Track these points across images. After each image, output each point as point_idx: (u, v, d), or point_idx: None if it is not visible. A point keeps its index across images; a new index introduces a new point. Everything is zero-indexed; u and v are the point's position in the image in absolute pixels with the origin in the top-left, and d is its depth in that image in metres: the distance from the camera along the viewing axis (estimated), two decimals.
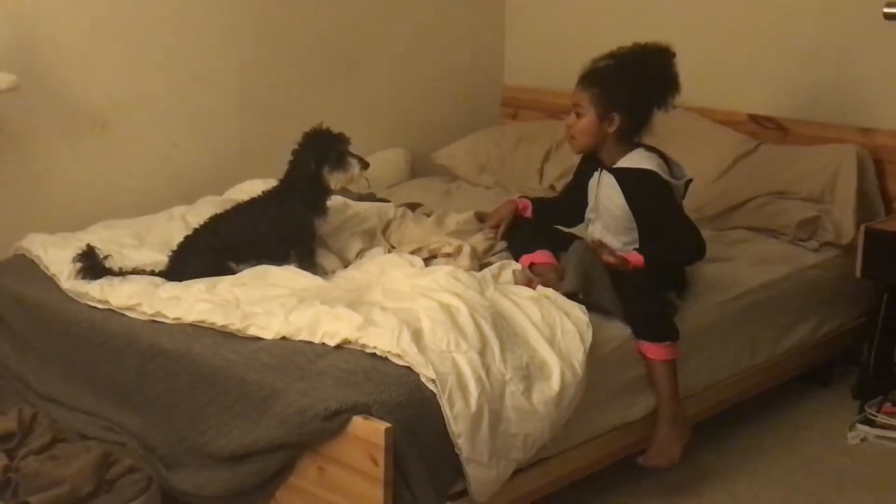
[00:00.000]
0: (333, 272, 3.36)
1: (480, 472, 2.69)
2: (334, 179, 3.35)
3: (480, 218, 3.65)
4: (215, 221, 3.39)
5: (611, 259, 3.15)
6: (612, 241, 3.34)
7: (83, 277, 3.25)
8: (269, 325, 2.91)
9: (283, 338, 2.88)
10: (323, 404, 2.60)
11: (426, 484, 2.61)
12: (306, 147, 3.33)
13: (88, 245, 3.33)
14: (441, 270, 3.16)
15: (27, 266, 3.46)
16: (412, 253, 3.42)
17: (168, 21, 4.05)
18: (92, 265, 3.27)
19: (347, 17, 4.59)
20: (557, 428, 2.87)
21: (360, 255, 3.50)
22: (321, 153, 3.31)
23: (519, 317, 2.98)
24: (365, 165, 3.37)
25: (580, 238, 3.36)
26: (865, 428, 3.63)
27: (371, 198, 4.01)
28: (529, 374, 2.83)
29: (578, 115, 3.29)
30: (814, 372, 3.95)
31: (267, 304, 3.02)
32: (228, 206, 3.52)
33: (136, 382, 3.02)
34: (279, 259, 3.31)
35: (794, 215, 3.95)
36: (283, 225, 3.34)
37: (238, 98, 4.30)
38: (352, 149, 3.36)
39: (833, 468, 3.44)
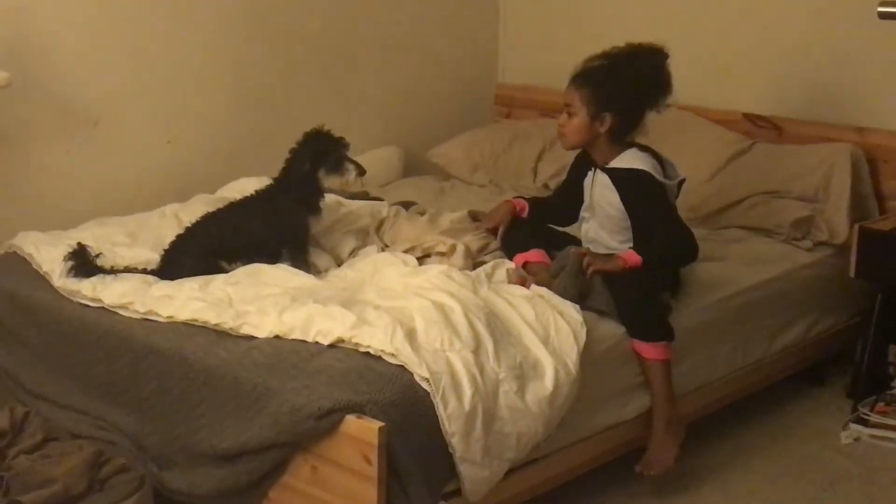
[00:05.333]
0: (327, 271, 3.36)
1: (474, 472, 2.69)
2: (329, 182, 3.35)
3: (474, 217, 3.64)
4: (208, 220, 3.38)
5: (604, 267, 3.14)
6: (608, 239, 3.34)
7: (74, 276, 3.24)
8: (262, 324, 2.90)
9: (277, 337, 2.87)
10: (316, 403, 2.59)
11: (420, 483, 2.60)
12: (304, 147, 3.33)
13: (79, 243, 3.33)
14: (435, 269, 3.15)
15: (19, 264, 3.44)
16: (406, 252, 3.41)
17: (161, 18, 4.04)
18: (83, 263, 3.26)
19: (342, 15, 4.59)
20: (551, 427, 2.86)
21: (353, 253, 3.50)
22: (319, 155, 3.31)
23: (513, 316, 2.97)
24: (361, 172, 3.36)
25: (571, 243, 3.37)
26: (859, 427, 3.63)
27: (364, 196, 4.00)
28: (523, 373, 2.82)
29: (570, 115, 3.28)
30: (807, 371, 3.96)
31: (260, 302, 3.01)
32: (221, 204, 3.51)
33: (129, 381, 3.01)
34: (272, 258, 3.30)
35: (788, 215, 3.95)
36: (276, 224, 3.33)
37: (231, 95, 4.29)
38: (350, 153, 3.35)
39: (826, 467, 3.45)
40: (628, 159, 3.28)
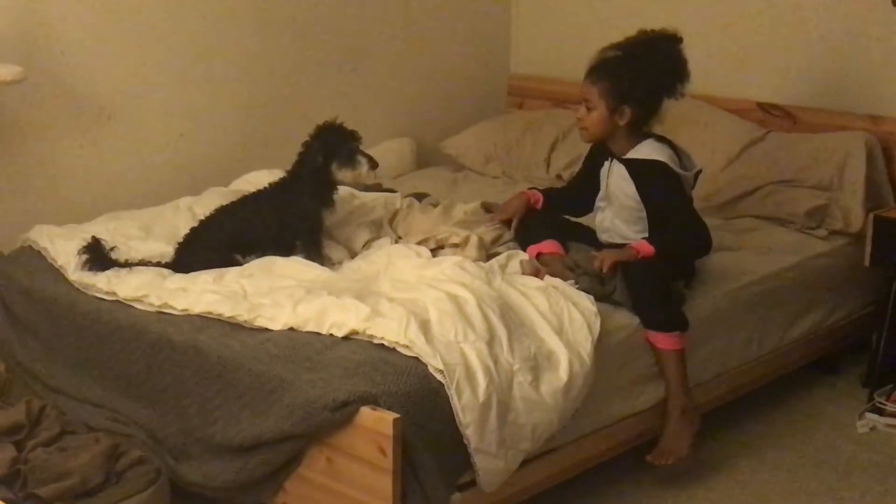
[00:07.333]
0: (340, 263, 3.36)
1: (489, 463, 2.69)
2: (341, 175, 3.35)
3: (487, 208, 3.64)
4: (222, 213, 3.38)
5: (618, 259, 3.14)
6: (624, 229, 3.34)
7: (89, 269, 3.25)
8: (276, 317, 2.91)
9: (291, 329, 2.88)
10: (331, 395, 2.60)
11: (434, 474, 2.61)
12: (317, 140, 3.33)
13: (93, 237, 3.34)
14: (448, 261, 3.15)
15: (34, 258, 3.46)
16: (419, 243, 3.41)
17: (173, 12, 4.04)
18: (97, 257, 3.27)
19: (353, 6, 4.58)
20: (566, 418, 2.86)
21: (366, 245, 3.50)
22: (331, 148, 3.31)
23: (526, 307, 2.97)
24: (374, 165, 3.36)
25: (585, 234, 3.37)
26: (874, 416, 3.62)
27: (377, 188, 4.00)
28: (537, 364, 2.82)
29: (588, 109, 3.26)
30: (823, 361, 3.94)
31: (274, 295, 3.02)
32: (234, 197, 3.51)
33: (144, 374, 3.02)
34: (286, 251, 3.30)
35: (802, 204, 3.94)
36: (290, 217, 3.33)
37: (244, 88, 4.29)
38: (362, 145, 3.34)
39: (842, 457, 3.44)
40: (645, 150, 3.27)
